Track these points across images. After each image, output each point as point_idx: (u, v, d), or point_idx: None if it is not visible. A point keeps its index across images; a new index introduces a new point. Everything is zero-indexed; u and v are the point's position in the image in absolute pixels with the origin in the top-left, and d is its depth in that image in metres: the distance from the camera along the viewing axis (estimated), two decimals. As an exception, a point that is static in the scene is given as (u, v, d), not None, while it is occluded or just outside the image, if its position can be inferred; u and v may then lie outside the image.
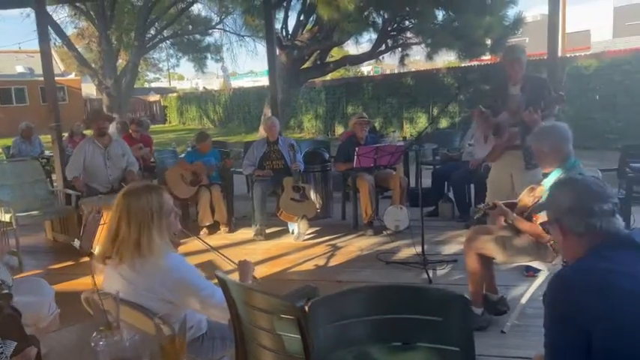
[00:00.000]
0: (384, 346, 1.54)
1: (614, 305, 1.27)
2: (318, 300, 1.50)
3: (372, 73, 29.19)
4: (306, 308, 1.52)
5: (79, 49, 16.99)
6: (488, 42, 10.90)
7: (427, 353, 1.53)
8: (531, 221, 2.95)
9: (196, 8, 17.55)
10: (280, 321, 1.66)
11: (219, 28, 17.69)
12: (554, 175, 2.89)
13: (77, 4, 14.67)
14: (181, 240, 2.98)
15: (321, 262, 4.53)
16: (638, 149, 4.98)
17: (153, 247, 1.92)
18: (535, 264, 3.08)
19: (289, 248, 4.92)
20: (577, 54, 15.03)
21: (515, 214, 2.99)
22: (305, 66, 14.05)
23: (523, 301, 3.03)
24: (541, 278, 2.97)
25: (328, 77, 19.66)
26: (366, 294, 1.52)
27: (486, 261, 3.10)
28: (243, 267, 2.27)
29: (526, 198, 3.10)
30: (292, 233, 5.19)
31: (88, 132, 6.49)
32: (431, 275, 3.97)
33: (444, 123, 11.82)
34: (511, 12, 11.21)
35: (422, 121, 13.07)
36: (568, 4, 20.68)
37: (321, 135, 14.99)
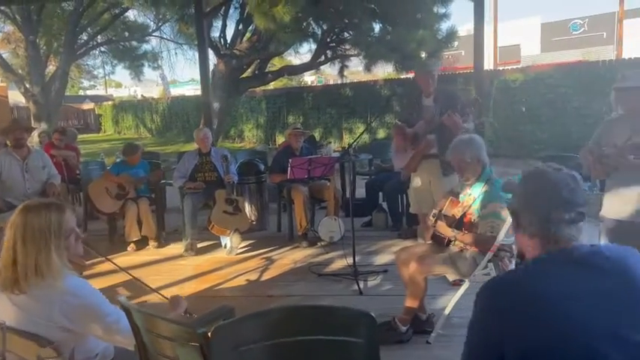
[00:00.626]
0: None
1: (540, 333, 1.19)
2: (220, 326, 1.42)
3: (315, 83, 29.41)
4: (209, 334, 1.45)
5: (5, 55, 16.06)
6: (423, 55, 11.22)
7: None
8: (461, 229, 3.01)
9: (132, 14, 17.03)
10: (183, 348, 1.57)
11: (156, 35, 17.25)
12: (481, 184, 2.98)
13: (1, 8, 13.87)
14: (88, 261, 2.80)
15: (254, 276, 4.43)
16: (557, 160, 5.24)
17: (51, 270, 1.78)
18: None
19: (221, 263, 4.79)
20: (508, 67, 15.78)
21: (457, 231, 3.02)
22: (244, 75, 13.93)
23: (447, 311, 3.07)
24: (464, 287, 3.02)
25: (271, 86, 19.60)
26: (269, 318, 1.47)
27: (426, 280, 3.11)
28: (174, 303, 2.16)
29: (452, 209, 3.16)
30: (225, 247, 5.06)
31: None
32: (361, 286, 3.96)
33: (381, 134, 12.03)
34: (444, 26, 11.61)
35: (360, 132, 13.27)
36: (500, 20, 21.78)
37: (262, 144, 14.87)
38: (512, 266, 3.08)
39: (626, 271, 1.27)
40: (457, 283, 3.86)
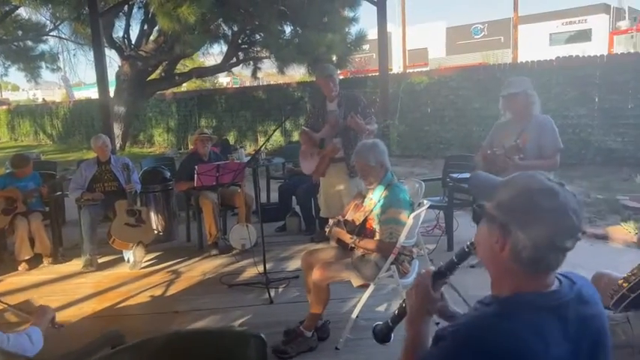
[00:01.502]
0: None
1: None
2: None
3: (231, 85, 28.88)
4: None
5: None
6: (334, 58, 11.39)
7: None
8: (363, 234, 3.03)
9: (25, 12, 15.72)
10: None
11: (53, 35, 16.04)
12: (381, 189, 3.01)
13: None
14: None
15: (159, 291, 4.21)
16: (457, 159, 5.50)
17: None
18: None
19: (123, 279, 4.51)
20: (416, 69, 16.43)
21: (355, 237, 3.02)
22: (152, 77, 13.37)
23: (354, 315, 3.08)
24: (369, 291, 3.05)
25: (184, 87, 18.95)
26: (150, 347, 1.35)
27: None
28: (38, 314, 1.96)
29: (355, 215, 3.18)
30: (128, 262, 4.78)
31: None
32: (272, 295, 3.89)
33: (296, 136, 12.02)
34: (354, 29, 11.87)
35: (276, 135, 13.18)
36: (408, 24, 22.61)
37: (173, 149, 14.33)
38: (413, 269, 3.15)
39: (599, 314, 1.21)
40: (365, 285, 3.91)
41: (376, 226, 3.00)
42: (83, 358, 1.69)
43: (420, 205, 3.20)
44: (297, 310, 3.61)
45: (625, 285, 2.00)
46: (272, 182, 7.00)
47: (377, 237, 2.98)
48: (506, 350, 1.05)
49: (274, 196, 6.40)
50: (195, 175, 4.90)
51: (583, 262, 2.77)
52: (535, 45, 25.67)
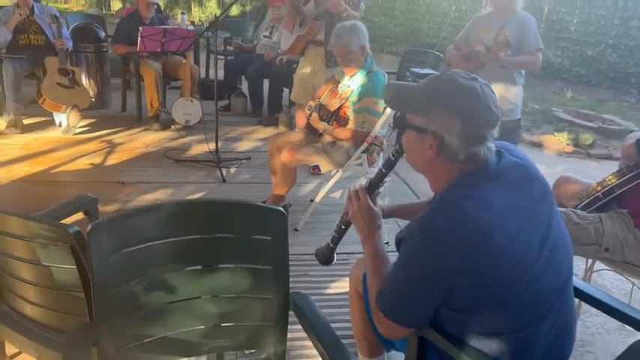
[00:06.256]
0: (182, 272, 1.29)
1: (487, 261, 1.13)
2: (100, 223, 1.14)
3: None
4: (86, 233, 1.16)
5: None
6: None
7: (234, 274, 1.34)
8: (334, 122, 2.94)
9: None
10: (47, 250, 1.26)
11: None
12: (361, 76, 2.87)
13: None
14: None
15: (98, 159, 3.93)
16: (416, 54, 5.39)
17: None
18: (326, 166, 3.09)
19: (57, 143, 4.14)
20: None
21: (328, 125, 2.92)
22: None
23: (317, 199, 3.08)
24: (336, 177, 3.03)
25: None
26: (163, 212, 1.23)
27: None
28: None
29: (330, 101, 3.04)
30: (59, 126, 4.36)
31: None
32: (225, 174, 3.78)
33: (234, 11, 11.15)
34: None
35: (212, 5, 12.15)
36: None
37: (95, 8, 12.82)
38: (380, 160, 3.15)
39: (533, 174, 1.27)
40: (316, 172, 3.91)
41: (350, 114, 2.91)
42: (68, 214, 1.53)
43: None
44: (252, 191, 3.57)
45: (599, 189, 2.12)
46: (211, 58, 6.50)
47: (350, 125, 2.90)
48: (461, 231, 1.13)
49: (213, 73, 5.98)
50: (139, 38, 4.43)
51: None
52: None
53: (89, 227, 1.14)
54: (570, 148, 5.07)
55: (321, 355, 1.25)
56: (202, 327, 1.33)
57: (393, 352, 1.75)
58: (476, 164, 1.20)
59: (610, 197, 2.07)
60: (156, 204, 1.24)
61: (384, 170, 1.45)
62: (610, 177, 2.13)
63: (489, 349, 1.20)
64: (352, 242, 1.74)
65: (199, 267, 1.31)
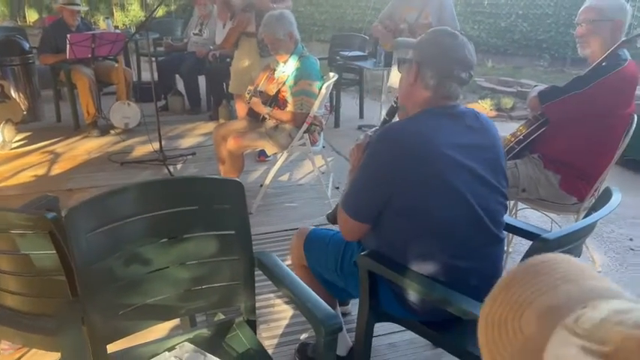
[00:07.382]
0: (154, 245, 1.43)
1: (432, 171, 1.36)
2: (76, 207, 1.27)
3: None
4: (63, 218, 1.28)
5: None
6: None
7: (201, 241, 1.50)
8: (276, 105, 3.10)
9: None
10: (24, 238, 1.37)
11: None
12: (293, 61, 3.04)
13: None
14: None
15: (42, 171, 3.90)
16: (344, 39, 5.63)
17: None
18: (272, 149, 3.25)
19: (-6, 160, 4.07)
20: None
21: (270, 108, 3.07)
22: None
23: (267, 182, 3.24)
24: (282, 159, 3.19)
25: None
26: (131, 193, 1.36)
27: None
28: None
29: (268, 86, 3.19)
30: (-6, 142, 4.27)
31: None
32: (172, 170, 3.86)
33: (160, 11, 10.98)
34: None
35: (135, 8, 11.91)
36: None
37: (9, 20, 12.24)
38: (321, 138, 3.36)
39: (490, 129, 1.53)
40: (262, 159, 4.08)
41: (289, 98, 3.08)
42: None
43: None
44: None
45: (512, 139, 2.41)
46: (141, 60, 6.46)
47: (289, 108, 3.07)
48: (411, 139, 1.40)
49: (145, 76, 5.96)
50: (68, 46, 4.39)
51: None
52: None
53: (65, 212, 1.26)
54: (494, 113, 5.49)
55: (292, 300, 1.42)
56: (177, 292, 1.48)
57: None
58: (444, 100, 1.46)
59: (522, 145, 2.37)
60: (122, 186, 1.35)
61: (387, 118, 1.72)
62: (520, 127, 2.43)
63: (426, 271, 1.42)
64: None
65: (169, 239, 1.46)
